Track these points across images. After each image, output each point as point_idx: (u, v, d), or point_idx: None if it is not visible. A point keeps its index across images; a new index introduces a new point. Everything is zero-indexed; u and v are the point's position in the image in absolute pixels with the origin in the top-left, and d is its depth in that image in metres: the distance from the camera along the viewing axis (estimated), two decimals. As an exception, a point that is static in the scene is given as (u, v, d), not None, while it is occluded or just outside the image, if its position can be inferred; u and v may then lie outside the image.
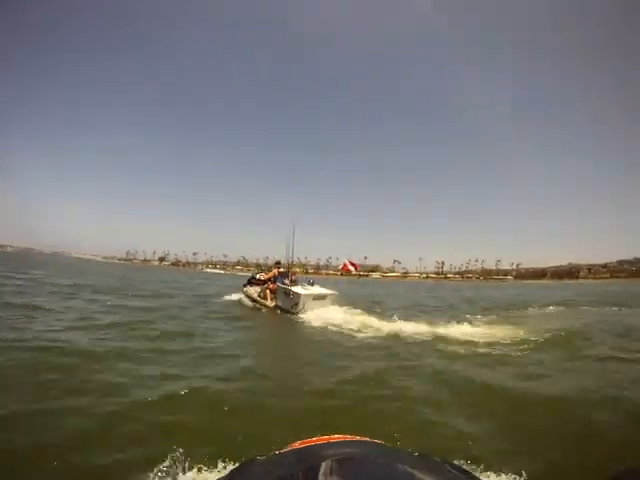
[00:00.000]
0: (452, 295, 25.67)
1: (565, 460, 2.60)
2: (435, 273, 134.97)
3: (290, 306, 9.76)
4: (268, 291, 11.15)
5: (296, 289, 9.99)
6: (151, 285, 20.54)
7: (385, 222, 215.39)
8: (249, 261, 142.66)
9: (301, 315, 9.32)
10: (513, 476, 2.23)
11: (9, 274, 18.45)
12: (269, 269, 13.09)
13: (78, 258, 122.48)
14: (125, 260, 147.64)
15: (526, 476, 2.21)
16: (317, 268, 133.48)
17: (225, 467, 2.22)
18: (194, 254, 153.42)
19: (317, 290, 10.40)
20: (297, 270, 12.86)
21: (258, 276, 12.75)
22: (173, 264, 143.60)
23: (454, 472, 0.72)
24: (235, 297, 12.89)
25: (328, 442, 0.80)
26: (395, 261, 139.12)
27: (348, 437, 0.88)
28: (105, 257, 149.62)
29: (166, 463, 2.28)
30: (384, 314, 10.04)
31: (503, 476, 2.22)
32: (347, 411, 3.46)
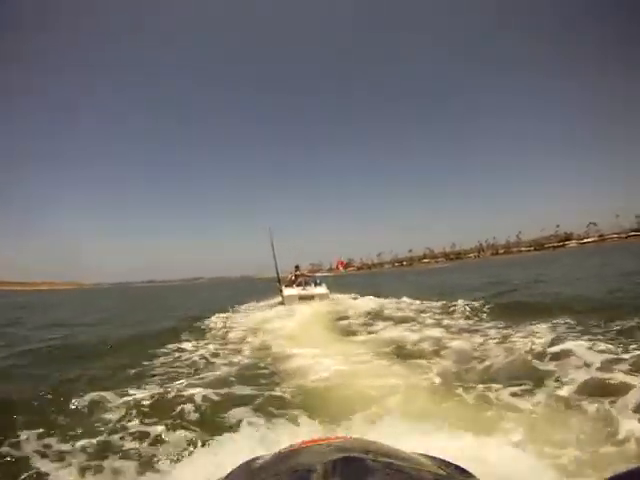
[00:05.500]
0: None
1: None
2: (637, 230, 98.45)
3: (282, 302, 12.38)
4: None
5: (285, 290, 12.30)
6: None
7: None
8: (435, 251, 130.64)
9: (280, 307, 11.73)
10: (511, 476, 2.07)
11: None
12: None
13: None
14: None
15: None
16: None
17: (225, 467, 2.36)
18: (378, 255, 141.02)
19: (305, 291, 12.35)
20: (304, 272, 14.45)
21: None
22: (359, 268, 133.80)
23: (454, 472, 0.72)
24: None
25: (328, 442, 0.80)
26: (590, 224, 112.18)
27: (349, 437, 0.90)
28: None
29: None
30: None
31: (502, 476, 2.03)
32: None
